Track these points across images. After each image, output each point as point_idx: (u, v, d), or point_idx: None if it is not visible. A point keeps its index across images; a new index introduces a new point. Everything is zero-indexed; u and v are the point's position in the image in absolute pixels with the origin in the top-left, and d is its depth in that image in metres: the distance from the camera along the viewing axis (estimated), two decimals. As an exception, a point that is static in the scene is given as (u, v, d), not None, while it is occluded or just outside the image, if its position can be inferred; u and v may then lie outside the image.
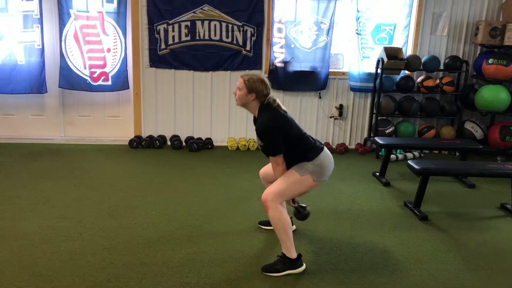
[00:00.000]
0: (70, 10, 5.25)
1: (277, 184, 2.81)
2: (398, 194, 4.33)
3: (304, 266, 2.84)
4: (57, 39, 5.42)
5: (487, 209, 4.05)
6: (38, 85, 5.44)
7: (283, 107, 2.92)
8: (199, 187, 4.29)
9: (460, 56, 5.82)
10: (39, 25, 5.28)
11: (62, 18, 5.27)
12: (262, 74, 5.64)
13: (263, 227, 3.44)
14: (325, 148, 2.93)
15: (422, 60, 5.64)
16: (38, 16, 5.25)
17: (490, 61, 5.44)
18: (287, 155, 2.84)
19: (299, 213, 3.02)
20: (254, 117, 2.96)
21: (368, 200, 4.14)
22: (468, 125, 5.77)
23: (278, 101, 2.92)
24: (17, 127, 5.77)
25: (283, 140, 2.77)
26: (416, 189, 3.88)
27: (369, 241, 3.30)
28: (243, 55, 5.58)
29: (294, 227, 3.34)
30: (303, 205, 3.06)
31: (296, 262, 2.80)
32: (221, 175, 4.68)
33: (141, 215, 3.59)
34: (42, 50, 5.36)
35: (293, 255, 2.80)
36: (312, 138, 2.93)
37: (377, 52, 5.67)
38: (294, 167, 2.84)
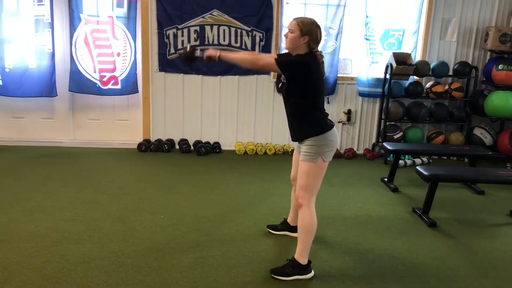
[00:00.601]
0: (81, 15, 5.31)
1: (299, 182, 2.81)
2: (406, 200, 4.31)
3: (312, 273, 2.83)
4: (68, 43, 5.47)
5: (496, 216, 4.02)
6: (48, 89, 5.49)
7: (324, 70, 2.85)
8: (207, 191, 4.30)
9: (470, 61, 5.80)
10: (50, 30, 5.34)
11: (73, 22, 5.32)
12: (271, 78, 5.65)
13: (271, 231, 3.44)
14: (334, 127, 2.87)
15: (431, 66, 5.63)
16: (49, 21, 5.31)
17: (500, 67, 5.42)
18: (303, 109, 2.78)
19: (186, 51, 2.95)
20: (282, 83, 2.89)
21: (376, 206, 4.12)
22: (477, 131, 5.73)
23: (323, 60, 2.85)
24: (27, 130, 5.83)
25: (304, 87, 2.71)
26: (425, 195, 3.86)
27: (377, 247, 3.29)
28: (251, 60, 5.59)
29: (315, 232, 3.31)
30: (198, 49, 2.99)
31: (305, 268, 2.80)
32: (229, 179, 4.69)
33: (150, 219, 3.60)
34: (53, 54, 5.41)
35: (304, 260, 2.79)
36: (326, 112, 2.89)
37: (386, 58, 5.67)
38: (304, 158, 2.77)
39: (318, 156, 2.74)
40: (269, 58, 2.75)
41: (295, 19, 2.76)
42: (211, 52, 2.86)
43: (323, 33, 5.42)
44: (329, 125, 2.81)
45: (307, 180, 2.78)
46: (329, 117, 2.89)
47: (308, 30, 2.71)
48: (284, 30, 5.48)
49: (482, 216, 4.01)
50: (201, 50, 2.92)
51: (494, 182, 4.06)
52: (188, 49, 2.96)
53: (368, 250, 3.23)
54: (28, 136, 5.82)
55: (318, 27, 2.75)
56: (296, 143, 2.98)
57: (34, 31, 5.32)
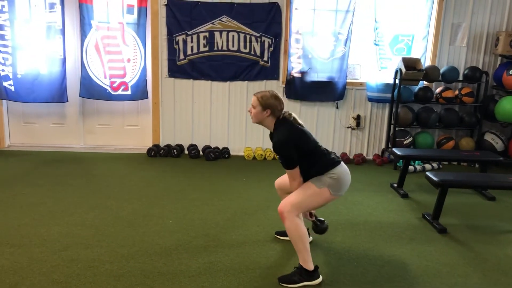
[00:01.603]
0: (92, 21, 5.37)
1: (294, 196, 2.81)
2: (416, 206, 4.28)
3: (320, 278, 2.82)
4: (79, 49, 5.54)
5: (508, 223, 3.97)
6: (59, 94, 5.56)
7: (300, 121, 2.93)
8: (216, 196, 4.31)
9: (480, 67, 5.76)
10: (62, 36, 5.41)
11: (84, 29, 5.39)
12: (279, 83, 5.66)
13: (279, 237, 3.44)
14: (342, 162, 2.92)
15: (441, 71, 5.60)
16: (61, 27, 5.38)
17: (511, 72, 5.37)
18: (304, 168, 2.83)
19: (317, 227, 3.03)
20: (271, 132, 2.97)
21: (385, 212, 4.10)
22: (488, 137, 5.69)
23: (294, 115, 2.94)
24: (39, 135, 5.89)
25: (300, 154, 2.77)
26: (435, 201, 3.84)
27: (386, 253, 3.27)
28: (260, 66, 5.62)
29: (311, 238, 3.33)
30: (321, 219, 3.05)
31: (313, 274, 2.79)
32: (238, 185, 4.69)
33: (159, 224, 3.62)
34: (64, 60, 5.48)
35: (310, 266, 2.78)
36: (329, 151, 2.93)
37: (395, 63, 5.65)
38: (311, 180, 2.83)
39: (324, 186, 2.79)
40: (291, 180, 2.86)
41: (255, 94, 2.91)
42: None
43: (331, 38, 5.43)
44: (335, 162, 2.86)
45: (303, 200, 2.79)
46: (333, 151, 2.98)
47: (268, 104, 2.84)
48: (293, 36, 5.51)
49: (493, 222, 3.97)
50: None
51: (505, 188, 4.01)
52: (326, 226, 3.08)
53: (377, 256, 3.21)
54: (39, 141, 5.89)
55: (277, 98, 2.87)
56: None
57: (46, 37, 5.39)
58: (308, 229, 2.97)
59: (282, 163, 2.82)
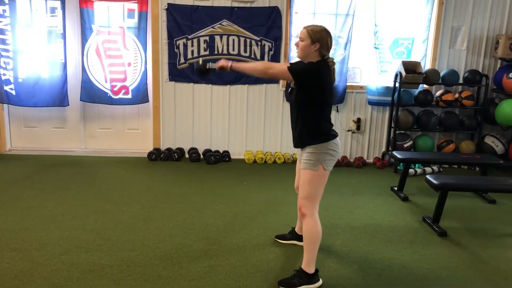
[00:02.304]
0: (92, 26, 5.39)
1: (301, 190, 2.83)
2: (416, 209, 4.28)
3: (320, 282, 2.82)
4: (79, 54, 5.55)
5: (508, 226, 3.97)
6: (60, 99, 5.57)
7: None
8: (216, 200, 4.31)
9: (480, 70, 5.77)
10: (62, 40, 5.43)
11: (85, 33, 5.41)
12: (280, 87, 5.67)
13: (280, 241, 3.43)
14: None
15: (441, 74, 5.61)
16: (62, 31, 5.40)
17: (511, 75, 5.38)
18: (308, 116, 2.79)
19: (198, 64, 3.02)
20: (291, 88, 2.90)
21: (386, 215, 4.10)
22: (489, 140, 5.69)
23: (335, 67, 2.88)
24: (40, 139, 5.91)
25: (315, 98, 2.73)
26: (435, 204, 3.84)
27: (386, 257, 3.27)
28: (261, 69, 5.62)
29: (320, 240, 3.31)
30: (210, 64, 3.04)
31: (313, 277, 2.79)
32: (238, 188, 4.70)
33: (159, 228, 3.62)
34: (65, 64, 5.50)
35: (311, 269, 2.79)
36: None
37: (395, 66, 5.66)
38: (304, 165, 2.78)
39: (319, 164, 2.75)
40: (281, 66, 2.80)
41: (305, 27, 2.80)
42: (223, 62, 2.92)
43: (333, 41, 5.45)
44: (332, 135, 2.82)
45: (309, 189, 2.79)
46: (334, 128, 2.90)
47: (319, 37, 2.74)
48: (293, 40, 5.52)
49: (493, 225, 3.96)
50: (212, 62, 2.99)
51: (506, 191, 4.02)
52: (200, 62, 3.04)
53: (377, 260, 3.21)
54: (40, 145, 5.90)
55: (328, 33, 2.78)
56: (299, 151, 2.98)
57: (47, 42, 5.41)
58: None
59: (291, 67, 2.73)
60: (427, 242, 3.54)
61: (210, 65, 3.02)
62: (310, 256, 2.79)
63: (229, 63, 2.90)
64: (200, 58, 2.98)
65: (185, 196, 4.40)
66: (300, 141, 2.88)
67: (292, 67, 2.73)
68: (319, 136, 2.79)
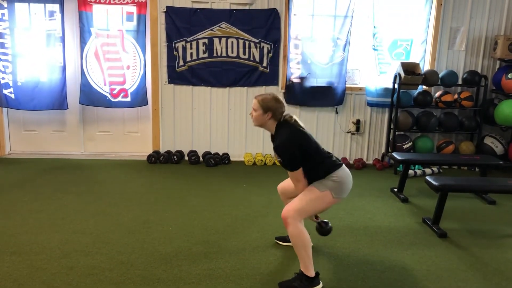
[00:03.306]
0: (91, 29, 5.39)
1: (297, 201, 2.81)
2: (416, 211, 4.27)
3: (321, 284, 2.81)
4: (78, 57, 5.56)
5: (508, 227, 3.97)
6: (59, 102, 5.57)
7: (301, 123, 2.93)
8: (216, 203, 4.31)
9: (479, 70, 5.77)
10: (61, 43, 5.43)
11: (83, 36, 5.41)
12: (279, 89, 5.67)
13: (280, 243, 3.43)
14: (344, 165, 2.93)
15: (440, 75, 5.61)
16: (61, 35, 5.40)
17: (510, 75, 5.38)
18: (306, 171, 2.84)
19: (321, 228, 3.01)
20: (272, 135, 2.97)
21: (386, 217, 4.10)
22: (488, 140, 5.69)
23: (295, 117, 2.94)
24: (39, 143, 5.90)
25: (302, 156, 2.78)
26: (435, 205, 3.83)
27: (387, 258, 3.26)
28: (260, 71, 5.63)
29: (311, 244, 3.32)
30: (325, 220, 3.05)
31: (313, 280, 2.78)
32: (238, 191, 4.69)
33: (159, 231, 3.62)
34: (64, 68, 5.50)
35: (311, 273, 2.78)
36: (330, 154, 2.93)
37: (394, 67, 5.66)
38: (313, 184, 2.84)
39: (326, 189, 2.79)
40: (295, 182, 2.87)
41: (255, 97, 2.93)
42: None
43: (330, 43, 5.44)
44: (336, 165, 2.87)
45: (306, 205, 2.79)
46: (334, 155, 2.97)
47: (269, 106, 2.86)
48: (292, 42, 5.53)
49: (493, 226, 3.96)
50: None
51: (505, 192, 4.02)
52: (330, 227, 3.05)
53: (377, 262, 3.21)
54: (40, 148, 5.90)
55: (278, 101, 2.89)
56: None
57: (46, 45, 5.41)
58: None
59: (285, 166, 2.82)
60: (427, 244, 3.54)
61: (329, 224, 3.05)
62: (305, 260, 2.78)
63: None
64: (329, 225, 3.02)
65: (184, 199, 4.39)
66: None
67: (289, 168, 2.80)
68: (322, 174, 2.84)
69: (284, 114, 2.91)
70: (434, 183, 3.76)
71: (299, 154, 2.77)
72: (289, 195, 3.16)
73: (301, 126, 2.92)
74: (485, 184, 4.03)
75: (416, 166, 5.56)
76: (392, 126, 5.72)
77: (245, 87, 5.69)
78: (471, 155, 5.46)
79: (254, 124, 2.95)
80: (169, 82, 5.66)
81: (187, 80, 5.64)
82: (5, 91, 5.48)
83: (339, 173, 2.85)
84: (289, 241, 3.40)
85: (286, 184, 3.24)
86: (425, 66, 5.79)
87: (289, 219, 2.74)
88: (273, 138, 2.96)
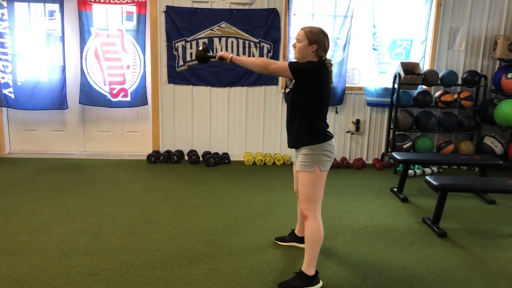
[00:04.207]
0: (91, 28, 5.39)
1: (301, 194, 2.83)
2: (416, 210, 4.28)
3: (321, 283, 2.82)
4: (78, 57, 5.55)
5: (508, 226, 3.97)
6: (59, 101, 5.57)
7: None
8: (216, 202, 4.31)
9: (479, 70, 5.78)
10: (61, 43, 5.43)
11: (83, 36, 5.41)
12: (279, 89, 5.68)
13: (280, 243, 3.43)
14: (333, 138, 2.89)
15: (440, 75, 5.62)
16: (60, 35, 5.40)
17: (509, 75, 5.38)
18: (303, 122, 2.80)
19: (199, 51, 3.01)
20: (289, 88, 2.90)
21: (385, 216, 4.10)
22: (488, 140, 5.69)
23: (332, 69, 2.89)
24: (39, 142, 5.90)
25: (311, 89, 2.74)
26: (435, 205, 3.84)
27: (386, 258, 3.27)
28: (259, 71, 5.63)
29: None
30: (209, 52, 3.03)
31: (313, 279, 2.79)
32: (238, 190, 4.70)
33: (159, 230, 3.62)
34: (64, 67, 5.50)
35: (311, 272, 2.78)
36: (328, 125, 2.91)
37: (394, 67, 5.66)
38: (301, 167, 2.78)
39: (315, 165, 2.76)
40: (282, 63, 2.79)
41: (302, 28, 2.81)
42: (223, 53, 2.93)
43: (331, 42, 5.45)
44: (328, 136, 2.83)
45: (309, 192, 2.79)
46: (330, 130, 2.92)
47: (316, 38, 2.74)
48: (292, 41, 5.51)
49: (493, 226, 3.97)
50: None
51: (505, 192, 4.02)
52: (201, 48, 3.02)
53: (377, 261, 3.21)
54: (40, 148, 5.90)
55: (325, 35, 2.79)
56: (293, 153, 2.98)
57: (46, 45, 5.41)
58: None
59: (291, 65, 2.73)
60: (427, 243, 3.54)
61: (210, 53, 3.00)
62: (311, 258, 2.78)
63: (230, 55, 2.91)
64: (204, 44, 2.89)
65: (184, 199, 4.39)
66: (295, 141, 2.87)
67: (292, 65, 2.74)
68: (315, 137, 2.79)
69: (327, 55, 2.84)
70: (434, 182, 3.76)
71: (312, 77, 2.71)
72: None
73: (331, 79, 2.87)
74: (484, 184, 4.04)
75: (416, 166, 5.57)
76: (392, 126, 5.72)
77: (245, 87, 5.69)
78: (471, 154, 5.46)
79: (296, 56, 2.82)
80: (169, 82, 5.66)
81: (187, 79, 5.64)
82: (5, 91, 5.48)
83: (331, 145, 2.80)
84: (288, 241, 3.41)
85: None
86: (425, 66, 5.79)
87: (305, 211, 2.79)
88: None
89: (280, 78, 5.67)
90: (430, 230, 3.80)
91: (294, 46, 2.83)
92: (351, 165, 5.76)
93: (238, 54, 5.55)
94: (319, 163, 2.76)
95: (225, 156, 5.75)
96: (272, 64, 2.80)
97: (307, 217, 2.78)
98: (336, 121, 5.85)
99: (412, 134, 5.91)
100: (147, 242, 3.39)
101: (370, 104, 5.82)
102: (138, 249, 3.27)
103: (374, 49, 5.64)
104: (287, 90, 2.91)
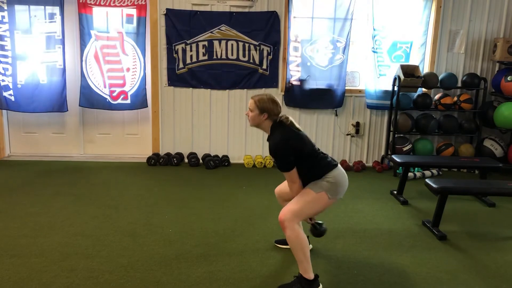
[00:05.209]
0: (91, 31, 5.40)
1: (293, 203, 2.81)
2: (416, 213, 4.27)
3: (321, 287, 2.81)
4: (78, 59, 5.56)
5: (508, 229, 3.97)
6: (59, 104, 5.57)
7: (297, 125, 2.94)
8: (216, 205, 4.31)
9: (478, 73, 5.78)
10: (61, 46, 5.44)
11: (83, 38, 5.41)
12: (279, 91, 5.68)
13: (279, 246, 3.43)
14: (339, 165, 2.93)
15: (439, 78, 5.62)
16: (60, 37, 5.41)
17: (509, 78, 5.39)
18: (301, 173, 2.84)
19: (316, 230, 3.01)
20: (268, 136, 2.98)
21: (385, 219, 4.10)
22: (488, 143, 5.69)
23: (291, 119, 2.95)
24: (39, 145, 5.91)
25: (296, 158, 2.79)
26: (435, 208, 3.83)
27: (386, 261, 3.27)
28: (259, 74, 5.64)
29: (310, 246, 3.32)
30: (319, 222, 3.05)
31: (313, 283, 2.78)
32: (238, 193, 4.69)
33: (158, 233, 3.61)
34: (64, 70, 5.50)
35: (310, 275, 2.77)
36: (325, 155, 2.94)
37: (394, 70, 5.67)
38: (309, 186, 2.84)
39: (322, 190, 2.80)
40: (287, 179, 2.90)
41: (252, 98, 2.94)
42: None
43: (329, 45, 5.45)
44: (331, 165, 2.88)
45: (303, 207, 2.80)
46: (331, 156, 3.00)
47: (265, 107, 2.88)
48: (292, 44, 5.54)
49: (493, 229, 3.96)
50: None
51: (505, 195, 4.00)
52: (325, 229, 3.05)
53: (377, 264, 3.21)
54: (40, 150, 5.90)
55: (274, 102, 2.91)
56: None
57: (46, 47, 5.42)
58: (308, 237, 2.96)
59: (279, 167, 2.84)
60: (427, 246, 3.54)
61: (317, 226, 3.03)
62: (303, 263, 2.77)
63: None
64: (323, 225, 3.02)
65: (184, 201, 4.39)
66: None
67: (282, 168, 2.83)
68: (318, 174, 2.85)
69: (280, 115, 2.92)
70: (434, 185, 3.76)
71: (292, 155, 2.78)
72: (286, 198, 3.16)
73: (296, 128, 2.92)
74: (484, 187, 4.03)
75: (416, 169, 5.57)
76: (391, 129, 5.73)
77: (245, 90, 5.70)
78: (471, 157, 5.47)
79: (250, 124, 2.96)
80: (169, 85, 5.67)
81: (187, 82, 5.65)
82: (5, 93, 5.49)
83: (334, 174, 2.85)
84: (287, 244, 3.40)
85: (283, 187, 3.25)
86: (425, 69, 5.79)
87: (286, 222, 2.74)
88: (269, 139, 2.97)
89: (280, 80, 5.68)
90: (430, 233, 3.79)
91: (247, 114, 2.96)
92: (351, 167, 5.76)
93: (238, 57, 5.57)
94: (326, 189, 2.80)
95: (225, 158, 5.75)
96: (293, 185, 2.89)
97: (285, 228, 2.75)
98: (336, 123, 5.85)
99: (412, 136, 5.91)
100: (147, 245, 3.39)
101: (370, 106, 5.82)
102: (137, 252, 3.27)
103: (374, 51, 5.65)
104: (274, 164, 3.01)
